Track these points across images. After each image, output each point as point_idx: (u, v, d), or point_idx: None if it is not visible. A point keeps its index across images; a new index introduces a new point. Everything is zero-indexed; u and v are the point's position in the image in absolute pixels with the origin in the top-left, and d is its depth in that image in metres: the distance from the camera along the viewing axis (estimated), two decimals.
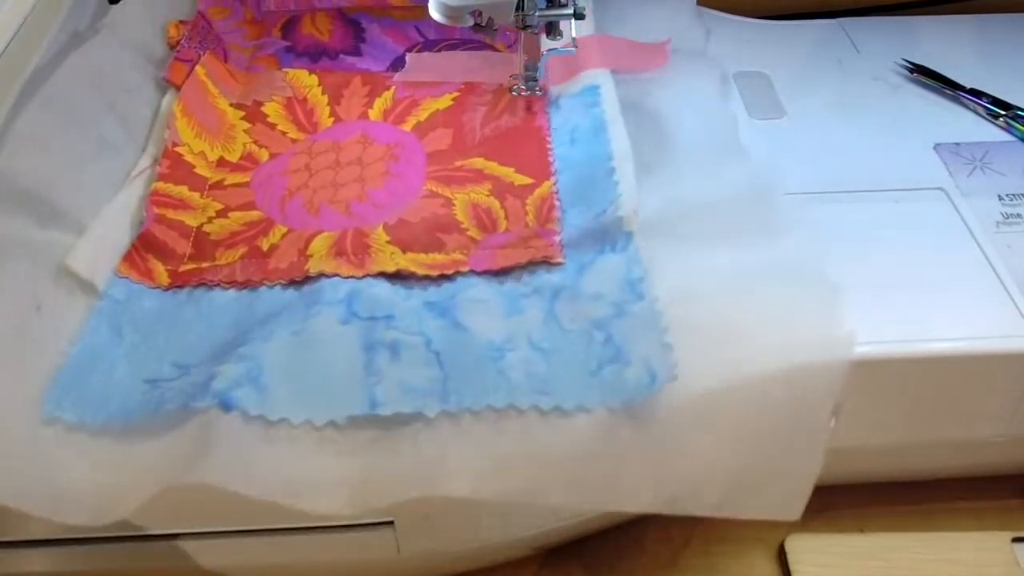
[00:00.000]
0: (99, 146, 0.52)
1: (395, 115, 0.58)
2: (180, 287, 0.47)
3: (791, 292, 0.44)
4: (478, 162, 0.54)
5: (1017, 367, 0.45)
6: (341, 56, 0.63)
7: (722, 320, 0.43)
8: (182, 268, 0.48)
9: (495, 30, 0.54)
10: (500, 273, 0.47)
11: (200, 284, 0.47)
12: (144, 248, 0.48)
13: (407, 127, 0.57)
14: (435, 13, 0.52)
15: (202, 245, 0.50)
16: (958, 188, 0.53)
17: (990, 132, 0.58)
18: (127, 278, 0.47)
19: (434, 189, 0.53)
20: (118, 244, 0.49)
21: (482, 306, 0.45)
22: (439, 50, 0.64)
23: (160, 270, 0.48)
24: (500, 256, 0.48)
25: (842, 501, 0.52)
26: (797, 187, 0.53)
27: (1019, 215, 0.51)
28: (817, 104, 0.60)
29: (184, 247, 0.49)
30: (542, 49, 0.57)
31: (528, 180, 0.53)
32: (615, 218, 0.47)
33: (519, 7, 0.52)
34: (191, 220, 0.51)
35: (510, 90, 0.59)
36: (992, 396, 0.47)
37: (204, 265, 0.48)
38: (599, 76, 0.57)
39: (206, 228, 0.51)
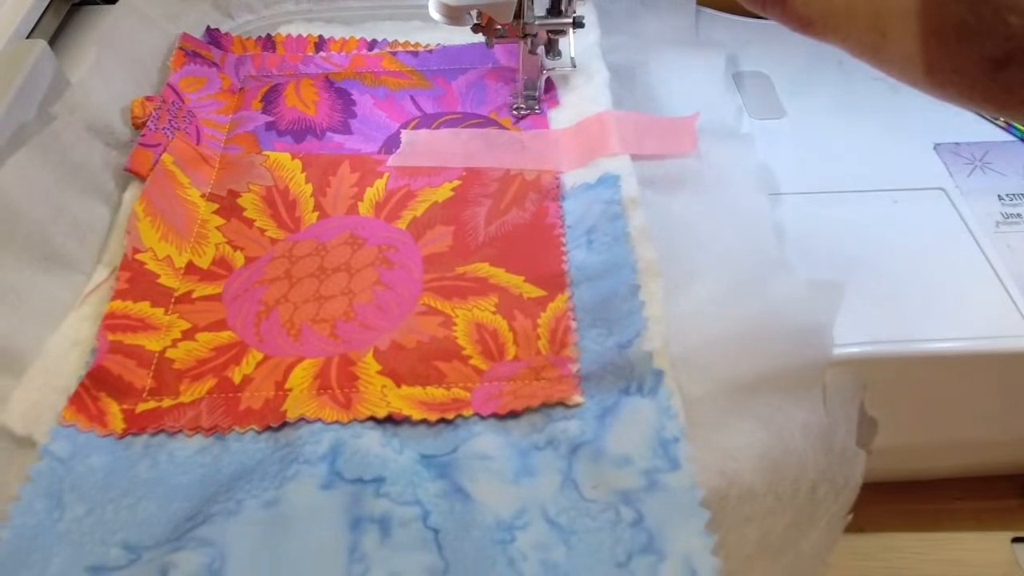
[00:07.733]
0: (45, 263, 0.45)
1: (388, 210, 0.52)
2: (136, 434, 0.41)
3: None
4: (482, 269, 0.48)
5: (1017, 367, 0.45)
6: (328, 134, 0.57)
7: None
8: (140, 407, 0.42)
9: (496, 29, 0.54)
10: (508, 416, 0.41)
11: (159, 431, 0.41)
12: (95, 386, 0.42)
13: (401, 224, 0.51)
14: (435, 13, 0.52)
15: (164, 376, 0.43)
16: (958, 188, 0.53)
17: (990, 132, 0.57)
18: (73, 426, 0.40)
19: (432, 303, 0.47)
20: (64, 386, 0.42)
21: (488, 465, 0.39)
22: (438, 126, 0.58)
23: (114, 411, 0.41)
24: (508, 395, 0.42)
25: None
26: (797, 187, 0.53)
27: (1019, 215, 0.51)
28: (817, 104, 0.60)
29: (144, 379, 0.43)
30: (543, 69, 0.57)
31: (540, 292, 0.47)
32: (642, 352, 0.41)
33: (519, 14, 0.52)
34: (152, 344, 0.45)
35: (511, 110, 0.58)
36: (992, 396, 0.47)
37: (166, 403, 0.42)
38: (618, 164, 0.51)
39: (169, 354, 0.44)
